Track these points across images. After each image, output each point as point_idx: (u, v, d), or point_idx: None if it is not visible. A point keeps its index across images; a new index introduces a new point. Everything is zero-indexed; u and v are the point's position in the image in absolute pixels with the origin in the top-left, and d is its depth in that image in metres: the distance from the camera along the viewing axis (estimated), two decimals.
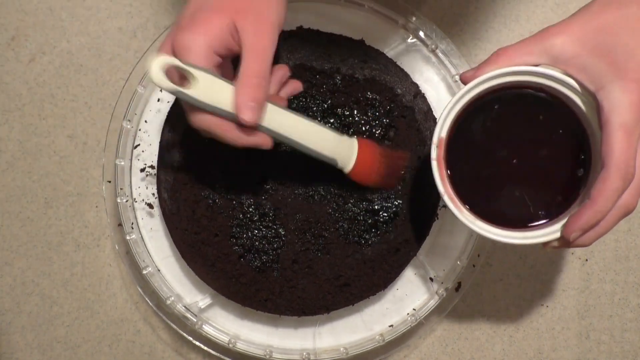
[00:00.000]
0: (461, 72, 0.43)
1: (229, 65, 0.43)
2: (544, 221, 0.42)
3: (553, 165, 0.41)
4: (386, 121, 0.51)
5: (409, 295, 0.55)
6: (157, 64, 0.38)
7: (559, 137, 0.41)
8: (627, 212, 0.38)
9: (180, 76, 0.39)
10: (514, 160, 0.42)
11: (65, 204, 0.58)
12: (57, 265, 0.58)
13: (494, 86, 0.40)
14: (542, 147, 0.41)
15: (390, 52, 0.53)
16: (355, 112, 0.51)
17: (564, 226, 0.39)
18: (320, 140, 0.44)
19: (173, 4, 0.58)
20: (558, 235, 0.40)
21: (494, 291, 0.57)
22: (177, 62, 0.38)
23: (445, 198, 0.41)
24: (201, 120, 0.40)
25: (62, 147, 0.58)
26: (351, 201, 0.51)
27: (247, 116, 0.39)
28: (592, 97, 0.38)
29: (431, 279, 0.54)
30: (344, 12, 0.54)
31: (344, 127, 0.51)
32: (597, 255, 0.57)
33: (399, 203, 0.51)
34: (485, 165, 0.42)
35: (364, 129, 0.51)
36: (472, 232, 0.53)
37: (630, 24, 0.36)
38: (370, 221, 0.51)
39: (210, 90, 0.39)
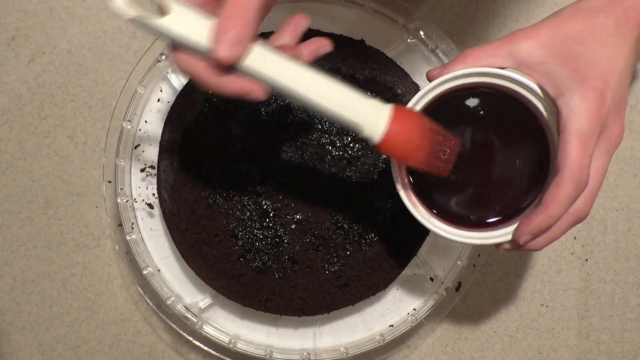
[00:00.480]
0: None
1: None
2: (499, 223, 0.42)
3: (512, 167, 0.42)
4: None
5: (409, 295, 0.55)
6: None
7: (519, 141, 0.41)
8: (579, 219, 0.39)
9: (158, 9, 0.34)
10: (474, 160, 0.42)
11: (65, 204, 0.58)
12: (57, 265, 0.58)
13: (458, 85, 0.40)
14: (503, 150, 0.42)
15: (390, 52, 0.53)
16: None
17: (516, 230, 0.39)
18: (336, 97, 0.36)
19: None
20: (509, 237, 0.40)
21: (494, 291, 0.57)
22: None
23: (402, 194, 0.41)
24: (177, 60, 0.35)
25: (62, 147, 0.58)
26: (351, 201, 0.51)
27: (222, 50, 0.33)
28: (552, 103, 0.38)
29: (431, 279, 0.54)
30: (345, 12, 0.54)
31: (344, 129, 0.51)
32: (597, 255, 0.57)
33: (398, 203, 0.51)
34: None
35: None
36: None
37: (597, 33, 0.36)
38: (370, 221, 0.51)
39: (185, 22, 0.33)
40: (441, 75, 0.40)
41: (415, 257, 0.53)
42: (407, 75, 0.52)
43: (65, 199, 0.58)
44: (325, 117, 0.39)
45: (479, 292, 0.57)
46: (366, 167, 0.51)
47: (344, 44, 0.52)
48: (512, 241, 0.40)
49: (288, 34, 0.39)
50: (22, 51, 0.58)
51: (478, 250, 0.53)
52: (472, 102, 0.41)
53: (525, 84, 0.38)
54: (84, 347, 0.58)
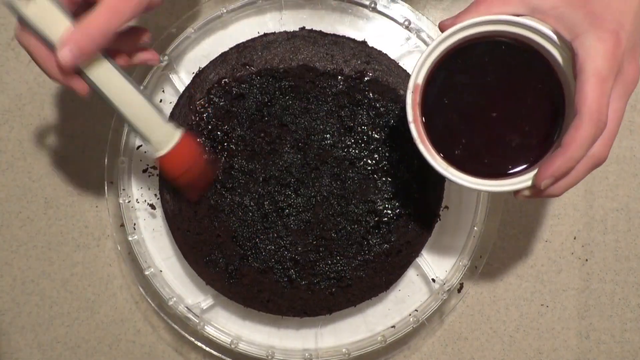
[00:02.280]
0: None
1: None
2: (516, 170, 0.42)
3: (528, 115, 0.42)
4: (392, 122, 0.51)
5: (410, 297, 0.55)
6: None
7: (534, 87, 0.41)
8: (598, 163, 0.39)
9: None
10: (490, 110, 0.42)
11: (65, 204, 0.58)
12: (57, 265, 0.58)
13: (471, 35, 0.40)
14: (518, 97, 0.41)
15: (393, 54, 0.53)
16: (358, 114, 0.51)
17: (536, 175, 0.39)
18: (141, 114, 0.43)
19: (173, 4, 0.57)
20: (529, 183, 0.40)
21: (494, 291, 0.57)
22: None
23: (419, 144, 0.41)
24: (26, 39, 0.39)
25: (62, 147, 0.58)
26: (353, 202, 0.51)
27: (63, 56, 0.38)
28: (568, 47, 0.38)
29: (433, 280, 0.54)
30: (347, 13, 0.54)
31: (346, 129, 0.51)
32: (597, 255, 0.57)
33: (401, 204, 0.51)
34: (461, 113, 0.42)
35: (366, 130, 0.51)
36: (472, 233, 0.53)
37: None
38: (372, 223, 0.51)
39: (46, 15, 0.38)
40: (454, 24, 0.39)
41: (417, 259, 0.53)
42: (409, 76, 0.52)
43: (65, 199, 0.58)
44: (125, 123, 0.46)
45: (479, 292, 0.57)
46: (369, 168, 0.51)
47: (347, 45, 0.52)
48: (532, 187, 0.40)
49: (129, 43, 0.45)
50: (22, 51, 0.58)
51: (480, 252, 0.53)
52: (485, 51, 0.41)
53: (539, 30, 0.38)
54: (84, 347, 0.58)
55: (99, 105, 0.58)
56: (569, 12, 0.37)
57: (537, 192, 0.40)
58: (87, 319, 0.58)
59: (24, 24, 0.39)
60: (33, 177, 0.58)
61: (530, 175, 0.40)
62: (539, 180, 0.39)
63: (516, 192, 0.41)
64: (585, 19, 0.36)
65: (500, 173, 0.42)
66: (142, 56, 0.45)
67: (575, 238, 0.57)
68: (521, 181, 0.40)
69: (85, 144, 0.58)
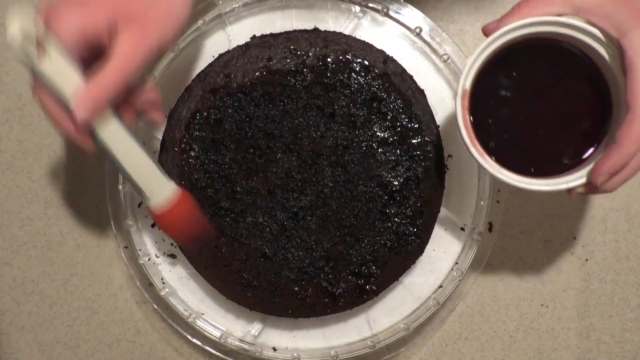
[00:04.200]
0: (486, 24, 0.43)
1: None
2: (565, 169, 0.42)
3: (575, 114, 0.42)
4: (368, 94, 0.51)
5: (446, 252, 0.55)
6: (21, 21, 0.36)
7: (580, 87, 0.42)
8: None
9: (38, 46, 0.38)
10: (537, 111, 0.42)
11: (65, 204, 0.58)
12: (57, 265, 0.58)
13: (517, 37, 0.40)
14: (564, 97, 0.42)
15: (346, 30, 0.53)
16: (334, 98, 0.51)
17: (591, 171, 0.40)
18: (144, 174, 0.44)
19: None
20: (584, 180, 0.41)
21: (494, 291, 0.57)
22: (42, 29, 0.36)
23: (471, 148, 0.42)
24: (41, 96, 0.39)
25: (62, 147, 0.58)
26: (361, 183, 0.51)
27: (79, 111, 0.38)
28: (615, 45, 0.38)
29: (462, 229, 0.54)
30: (292, 7, 0.54)
31: (328, 116, 0.51)
32: (597, 255, 0.57)
33: (406, 167, 0.51)
34: (509, 115, 0.43)
35: (347, 110, 0.51)
36: (483, 170, 0.52)
37: None
38: (385, 196, 0.51)
39: (61, 71, 0.38)
40: (498, 28, 0.40)
41: (439, 214, 0.53)
42: (370, 46, 0.52)
43: (65, 199, 0.58)
44: (126, 182, 0.47)
45: (479, 292, 0.57)
46: (363, 145, 0.50)
47: (299, 37, 0.52)
48: (587, 184, 0.41)
49: (143, 102, 0.44)
50: None
51: (497, 185, 0.53)
52: (529, 52, 0.41)
53: (585, 29, 0.39)
54: (84, 347, 0.58)
55: None
56: (615, 9, 0.37)
57: (592, 189, 0.41)
58: (87, 319, 0.58)
59: (38, 79, 0.39)
60: (33, 177, 0.58)
61: (583, 172, 0.41)
62: (595, 177, 0.39)
63: (570, 190, 0.42)
64: (632, 16, 0.37)
65: (549, 171, 0.43)
66: (151, 116, 0.46)
67: (575, 238, 0.57)
68: (576, 178, 0.41)
69: None
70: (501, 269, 0.57)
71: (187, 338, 0.55)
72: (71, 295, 0.58)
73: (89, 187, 0.58)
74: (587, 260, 0.58)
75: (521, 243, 0.57)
